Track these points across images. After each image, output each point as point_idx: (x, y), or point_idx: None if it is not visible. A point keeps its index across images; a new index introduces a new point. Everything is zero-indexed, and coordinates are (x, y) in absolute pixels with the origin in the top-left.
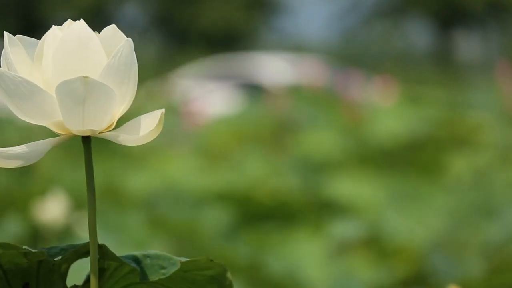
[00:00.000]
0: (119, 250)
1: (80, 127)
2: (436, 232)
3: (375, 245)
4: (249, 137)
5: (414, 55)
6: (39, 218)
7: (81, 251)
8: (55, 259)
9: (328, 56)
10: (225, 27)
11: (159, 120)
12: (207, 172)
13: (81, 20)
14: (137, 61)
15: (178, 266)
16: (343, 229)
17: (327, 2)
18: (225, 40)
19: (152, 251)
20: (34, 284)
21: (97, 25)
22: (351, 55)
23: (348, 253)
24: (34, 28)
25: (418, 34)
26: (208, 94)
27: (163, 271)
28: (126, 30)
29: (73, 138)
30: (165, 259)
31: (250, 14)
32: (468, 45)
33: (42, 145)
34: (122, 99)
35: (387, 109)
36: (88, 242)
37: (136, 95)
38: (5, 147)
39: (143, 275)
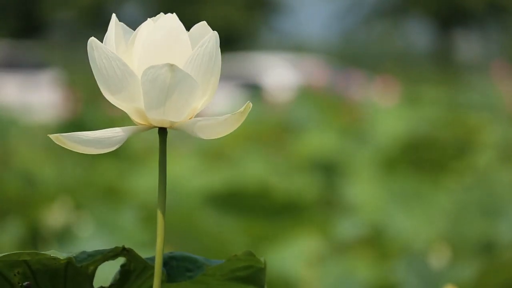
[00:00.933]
0: None
1: (160, 116)
2: (436, 232)
3: (376, 244)
4: (249, 137)
5: (414, 55)
6: (39, 219)
7: (108, 256)
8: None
9: (328, 56)
10: (225, 27)
11: (243, 111)
12: (208, 172)
13: (174, 14)
14: None
15: (204, 271)
16: (345, 228)
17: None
18: (225, 40)
19: (178, 252)
20: (62, 285)
21: (97, 25)
22: (351, 55)
23: (349, 252)
24: (34, 28)
25: (418, 34)
26: None
27: (189, 274)
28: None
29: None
30: (191, 261)
31: (250, 14)
32: (468, 45)
33: (121, 132)
34: (204, 92)
35: (387, 109)
36: (115, 248)
37: None
38: (7, 147)
39: (169, 277)
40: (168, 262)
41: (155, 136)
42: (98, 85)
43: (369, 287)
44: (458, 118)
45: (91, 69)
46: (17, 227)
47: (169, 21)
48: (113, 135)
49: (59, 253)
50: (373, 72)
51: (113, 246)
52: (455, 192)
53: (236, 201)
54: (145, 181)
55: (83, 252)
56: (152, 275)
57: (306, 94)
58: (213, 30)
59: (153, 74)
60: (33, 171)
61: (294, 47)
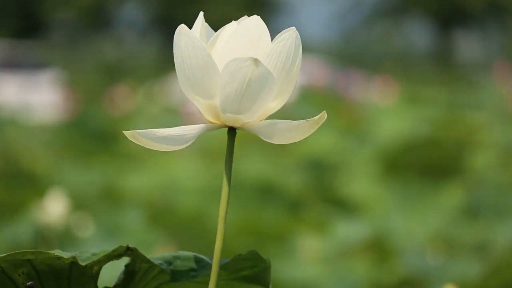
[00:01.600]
0: None
1: (234, 113)
2: (436, 231)
3: (376, 244)
4: (249, 137)
5: (414, 55)
6: (40, 220)
7: (112, 255)
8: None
9: (328, 56)
10: None
11: (317, 120)
12: (208, 172)
13: (257, 16)
14: (137, 61)
15: (207, 270)
16: (346, 229)
17: (327, 2)
18: None
19: (182, 252)
20: (67, 285)
21: (97, 25)
22: (351, 55)
23: (349, 253)
24: (34, 28)
25: (418, 34)
26: None
27: (193, 273)
28: (126, 30)
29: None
30: (195, 261)
31: (250, 14)
32: (468, 45)
33: (193, 130)
34: (278, 92)
35: (387, 109)
36: (119, 247)
37: (135, 94)
38: (7, 148)
39: (174, 277)
40: (172, 261)
41: None
42: (178, 75)
43: (369, 287)
44: (458, 118)
45: (91, 69)
46: (17, 227)
47: (253, 21)
48: (185, 132)
49: (63, 253)
50: (373, 72)
51: (116, 246)
52: (455, 192)
53: (237, 200)
54: (146, 180)
55: (87, 251)
56: (156, 275)
57: (306, 94)
58: (214, 30)
59: (235, 66)
60: (33, 171)
61: None
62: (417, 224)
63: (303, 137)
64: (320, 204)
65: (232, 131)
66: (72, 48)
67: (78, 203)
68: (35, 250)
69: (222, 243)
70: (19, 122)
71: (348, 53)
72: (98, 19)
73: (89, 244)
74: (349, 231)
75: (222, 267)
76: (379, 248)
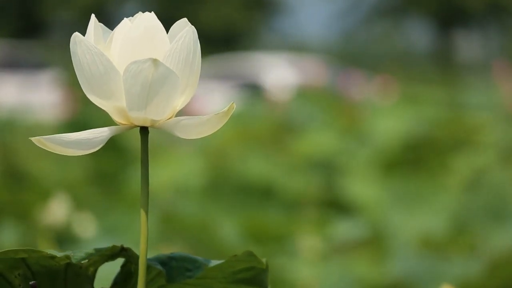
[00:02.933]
0: None
1: (142, 114)
2: (436, 231)
3: (376, 244)
4: (249, 136)
5: (414, 55)
6: (41, 220)
7: (106, 255)
8: (82, 262)
9: (328, 56)
10: (225, 27)
11: (226, 111)
12: (208, 172)
13: (152, 12)
14: None
15: (202, 270)
16: (344, 228)
17: (327, 2)
18: (225, 40)
19: (177, 253)
20: (63, 286)
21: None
22: (351, 55)
23: (348, 253)
24: (34, 28)
25: (418, 34)
26: (208, 94)
27: (188, 273)
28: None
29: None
30: (190, 262)
31: (250, 14)
32: (468, 45)
33: (103, 133)
34: (184, 88)
35: (387, 109)
36: (113, 246)
37: None
38: (5, 148)
39: (169, 278)
40: (167, 262)
41: (156, 134)
42: (80, 83)
43: (369, 286)
44: (458, 118)
45: None
46: (17, 227)
47: (147, 20)
48: (94, 136)
49: (56, 252)
50: (373, 72)
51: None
52: (455, 192)
53: (237, 200)
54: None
55: (81, 251)
56: (154, 278)
57: (306, 94)
58: (213, 30)
59: (135, 69)
60: (33, 171)
61: (294, 47)
62: (416, 224)
63: (214, 130)
64: (319, 204)
65: (144, 130)
66: None
67: (79, 203)
68: (28, 248)
69: (146, 247)
70: (19, 122)
71: (348, 53)
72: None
73: (91, 245)
74: (348, 231)
75: (217, 268)
76: (378, 248)
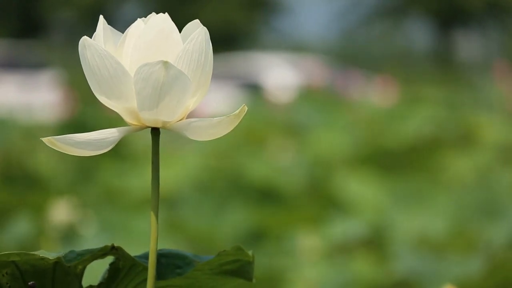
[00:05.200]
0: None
1: (153, 116)
2: (436, 231)
3: (375, 243)
4: (249, 136)
5: (414, 55)
6: (42, 220)
7: (98, 255)
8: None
9: (328, 56)
10: (225, 27)
11: (238, 114)
12: (209, 172)
13: (166, 13)
14: None
15: (193, 266)
16: (344, 228)
17: (327, 2)
18: (225, 40)
19: (166, 249)
20: (50, 285)
21: (97, 25)
22: (351, 55)
23: (348, 253)
24: (34, 28)
25: (418, 34)
26: (208, 94)
27: (178, 270)
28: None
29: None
30: (180, 258)
31: (250, 14)
32: (468, 45)
33: (114, 133)
34: (195, 89)
35: (387, 109)
36: (104, 246)
37: None
38: (7, 148)
39: (159, 275)
40: (157, 259)
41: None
42: (90, 85)
43: (369, 286)
44: (459, 118)
45: None
46: (20, 227)
47: (161, 21)
48: (106, 136)
49: (48, 253)
50: (373, 72)
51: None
52: (455, 192)
53: (238, 200)
54: (148, 179)
55: (72, 252)
56: (140, 272)
57: (306, 94)
58: (213, 30)
59: (146, 71)
60: (33, 170)
61: (294, 47)
62: (416, 223)
63: (226, 132)
64: (319, 204)
65: (155, 131)
66: (72, 48)
67: (80, 203)
68: (20, 251)
69: (156, 245)
70: (19, 122)
71: (348, 53)
72: (98, 19)
73: (93, 244)
74: (348, 231)
75: (206, 263)
76: (378, 248)
